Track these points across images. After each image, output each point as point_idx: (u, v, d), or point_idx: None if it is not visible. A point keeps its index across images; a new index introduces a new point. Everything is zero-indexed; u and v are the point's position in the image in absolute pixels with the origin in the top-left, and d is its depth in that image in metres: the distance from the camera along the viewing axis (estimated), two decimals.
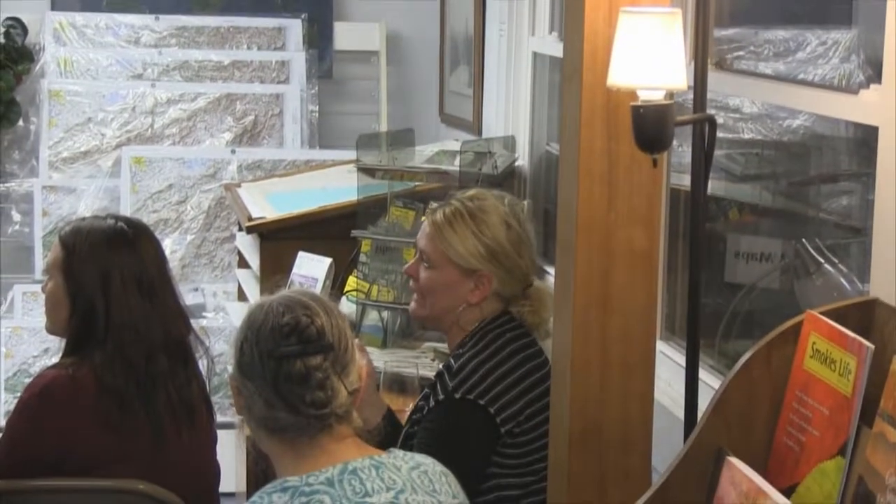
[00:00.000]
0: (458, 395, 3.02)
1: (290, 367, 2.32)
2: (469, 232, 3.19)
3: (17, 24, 5.91)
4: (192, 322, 3.49)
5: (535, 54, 4.97)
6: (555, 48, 4.68)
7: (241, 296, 5.07)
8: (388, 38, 6.27)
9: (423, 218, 3.37)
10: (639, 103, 2.46)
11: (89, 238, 3.39)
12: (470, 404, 3.02)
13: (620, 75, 2.46)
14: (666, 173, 3.47)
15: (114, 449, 3.28)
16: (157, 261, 3.43)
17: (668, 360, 3.56)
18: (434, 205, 3.37)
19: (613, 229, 2.67)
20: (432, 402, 3.08)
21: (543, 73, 4.95)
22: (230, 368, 2.41)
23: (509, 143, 4.92)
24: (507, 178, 4.76)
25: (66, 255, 3.40)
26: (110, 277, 3.34)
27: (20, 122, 5.93)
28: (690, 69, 2.60)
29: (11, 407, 3.44)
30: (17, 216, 5.93)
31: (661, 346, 3.56)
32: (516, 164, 4.92)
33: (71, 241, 3.40)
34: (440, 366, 3.26)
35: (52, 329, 3.47)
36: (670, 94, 2.54)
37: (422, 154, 4.70)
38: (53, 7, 6.07)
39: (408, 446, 3.01)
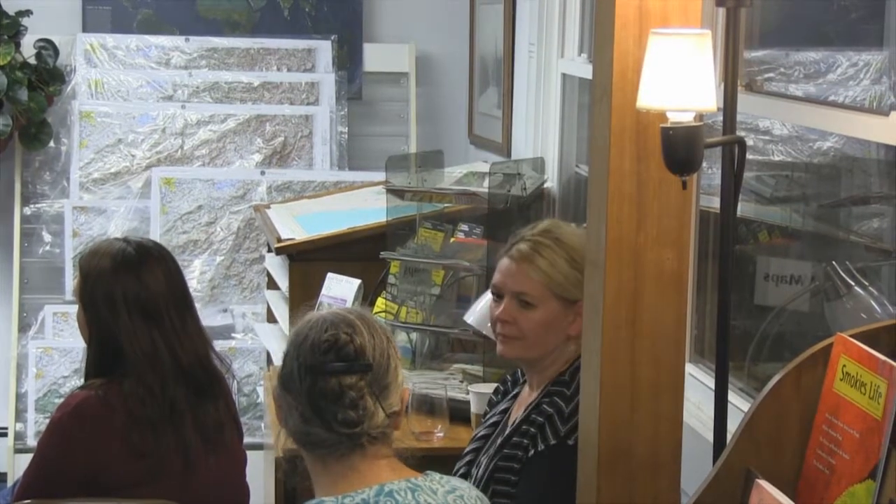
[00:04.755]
0: (571, 442, 2.92)
1: (325, 383, 2.33)
2: (561, 260, 3.08)
3: (48, 46, 5.94)
4: (220, 343, 3.49)
5: (564, 76, 4.97)
6: (584, 70, 4.68)
7: (270, 317, 5.08)
8: (417, 59, 6.28)
9: (502, 259, 3.15)
10: (668, 125, 2.46)
11: (99, 263, 3.40)
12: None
13: (650, 97, 2.46)
14: (696, 195, 3.47)
15: (143, 470, 3.29)
16: (165, 285, 3.41)
17: (698, 383, 3.55)
18: (514, 244, 3.17)
19: (642, 251, 2.66)
20: (541, 447, 2.97)
21: (573, 94, 4.95)
22: (261, 387, 2.43)
23: (538, 164, 4.92)
24: (537, 200, 4.76)
25: (81, 281, 3.42)
26: (115, 304, 3.35)
27: (51, 144, 5.96)
28: (720, 91, 2.60)
29: (43, 427, 3.46)
30: (47, 237, 5.96)
31: (690, 368, 3.54)
32: (545, 185, 4.91)
33: (85, 267, 3.42)
34: (536, 404, 3.07)
35: None
36: (700, 116, 2.53)
37: (451, 175, 4.71)
38: (85, 29, 6.10)
39: (468, 475, 2.97)
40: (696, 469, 2.76)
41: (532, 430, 3.02)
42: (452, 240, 4.34)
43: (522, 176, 4.57)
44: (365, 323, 2.41)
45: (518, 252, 3.11)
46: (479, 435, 3.20)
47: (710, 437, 2.75)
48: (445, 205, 4.53)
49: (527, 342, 3.10)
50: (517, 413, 3.12)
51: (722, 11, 2.78)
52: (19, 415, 5.75)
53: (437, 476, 2.37)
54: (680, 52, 2.43)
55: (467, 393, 3.85)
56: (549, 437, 2.98)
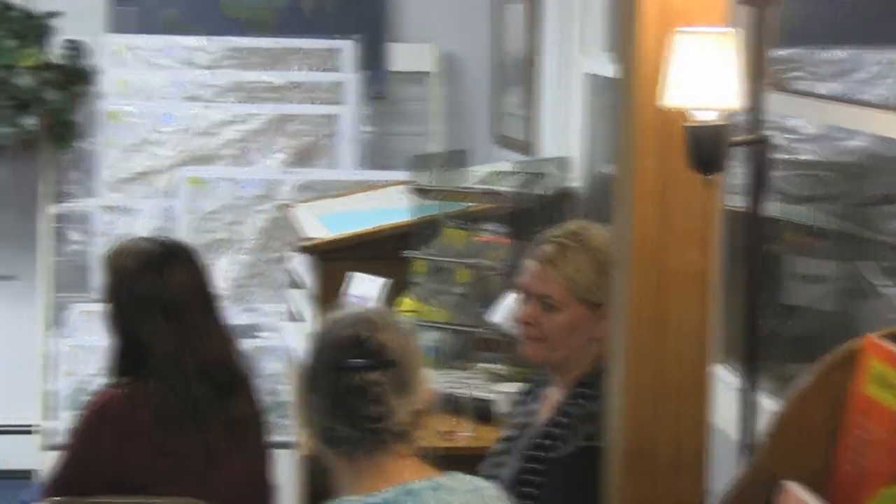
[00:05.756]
0: (596, 445, 2.86)
1: (348, 379, 2.34)
2: (587, 263, 3.06)
3: (75, 47, 5.97)
4: (244, 342, 3.50)
5: (588, 74, 4.96)
6: (608, 68, 4.68)
7: (295, 316, 5.09)
8: (441, 58, 6.28)
9: (528, 260, 3.13)
10: (693, 124, 2.46)
11: (125, 262, 3.41)
12: None
13: (674, 95, 2.46)
14: (722, 194, 3.45)
15: (167, 468, 3.30)
16: (189, 284, 3.42)
17: (725, 384, 3.54)
18: (537, 245, 3.16)
19: (667, 250, 2.65)
20: (566, 449, 2.96)
21: (597, 93, 4.94)
22: (286, 386, 2.45)
23: (562, 163, 4.91)
24: (561, 199, 4.75)
25: (107, 279, 3.43)
26: (140, 302, 3.36)
27: (78, 143, 5.98)
28: (746, 90, 2.59)
29: (71, 425, 3.47)
30: (75, 236, 5.98)
31: (717, 369, 3.53)
32: (570, 184, 4.91)
33: (111, 266, 3.43)
34: (562, 406, 3.06)
35: None
36: (725, 115, 2.53)
37: (475, 175, 4.70)
38: (111, 29, 6.12)
39: (495, 477, 2.97)
40: (723, 471, 2.76)
41: (557, 431, 3.01)
42: (476, 239, 4.34)
43: (546, 175, 4.57)
44: (387, 321, 2.42)
45: (543, 254, 3.10)
46: (505, 436, 3.19)
47: (737, 438, 2.74)
48: (469, 204, 4.52)
49: (549, 344, 3.09)
50: (544, 414, 3.12)
51: (748, 10, 2.78)
52: (48, 412, 5.79)
53: (460, 476, 2.38)
54: (704, 50, 2.43)
55: (492, 392, 3.85)
56: (575, 439, 2.97)
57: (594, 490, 2.81)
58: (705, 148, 2.46)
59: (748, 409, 2.69)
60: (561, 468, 2.97)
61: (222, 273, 5.75)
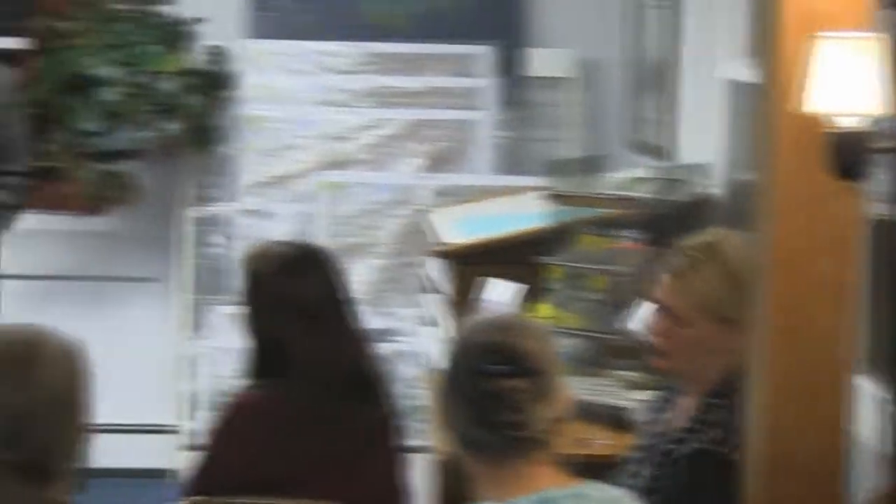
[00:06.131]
0: (720, 450, 2.88)
1: (488, 385, 2.34)
2: (719, 278, 2.99)
3: (216, 52, 6.06)
4: (379, 346, 3.52)
5: (728, 80, 4.92)
6: (748, 73, 4.63)
7: (431, 320, 5.11)
8: (577, 64, 6.26)
9: (662, 273, 3.08)
10: (834, 130, 2.42)
11: (262, 266, 3.45)
12: (730, 465, 2.83)
13: (815, 101, 2.43)
14: (865, 202, 3.40)
15: (303, 471, 3.33)
16: (326, 288, 3.44)
17: (868, 394, 3.48)
18: (670, 257, 3.13)
19: (810, 259, 2.62)
20: (691, 448, 2.94)
21: (736, 98, 4.89)
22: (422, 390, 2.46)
23: (700, 170, 4.87)
24: (699, 206, 4.71)
25: (245, 283, 3.47)
26: (278, 306, 3.39)
27: (218, 148, 6.07)
28: (890, 95, 2.54)
29: (209, 426, 3.52)
30: (214, 239, 6.07)
31: (861, 380, 3.47)
32: (708, 191, 4.86)
33: (249, 270, 3.47)
34: (693, 416, 3.03)
35: None
36: (867, 121, 2.49)
37: (612, 180, 4.68)
38: (251, 35, 6.20)
39: (628, 486, 2.96)
40: (863, 481, 2.72)
41: (687, 437, 2.98)
42: (612, 245, 4.32)
43: (684, 181, 4.53)
44: (528, 327, 2.42)
45: (674, 267, 3.06)
46: (639, 445, 3.17)
47: (882, 451, 2.69)
48: (605, 210, 4.50)
49: (677, 358, 3.05)
50: (676, 423, 3.09)
51: (892, 13, 2.73)
52: (188, 413, 5.87)
53: (599, 484, 2.37)
54: (846, 55, 2.40)
55: (627, 400, 3.83)
56: (700, 442, 2.93)
57: (711, 494, 2.79)
58: (847, 155, 2.42)
59: (890, 420, 2.64)
60: (678, 468, 2.95)
61: (358, 277, 5.79)
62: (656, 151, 5.53)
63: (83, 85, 5.86)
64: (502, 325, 2.40)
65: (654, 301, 3.11)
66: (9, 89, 4.74)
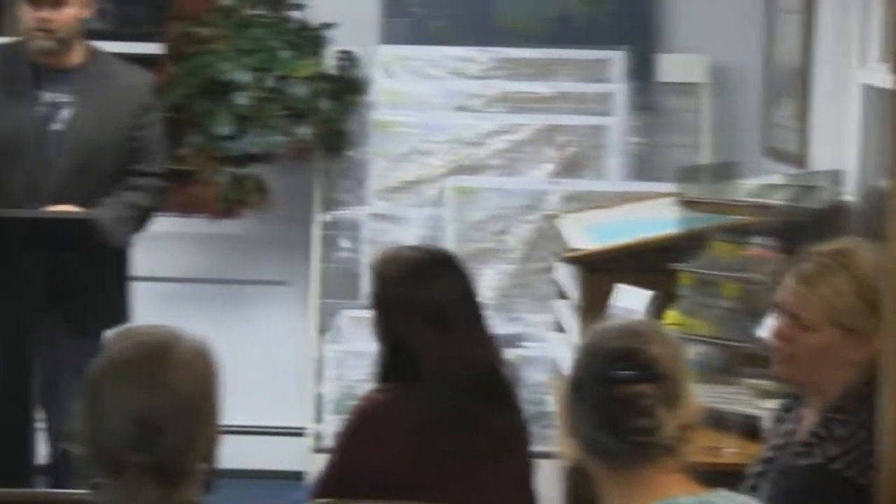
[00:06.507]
0: (834, 467, 2.83)
1: (617, 391, 2.33)
2: (847, 287, 2.93)
3: (348, 57, 6.10)
4: (508, 352, 3.52)
5: (864, 85, 4.84)
6: (884, 79, 4.55)
7: (560, 327, 5.09)
8: (711, 69, 6.20)
9: (788, 276, 3.03)
10: None
11: (391, 270, 3.46)
12: (847, 484, 2.81)
13: None
14: None
15: (430, 475, 3.34)
16: (455, 293, 3.45)
17: None
18: (798, 261, 3.09)
19: None
20: (810, 462, 2.88)
21: (872, 104, 4.81)
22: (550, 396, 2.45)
23: (836, 177, 4.79)
24: (834, 214, 4.64)
25: (374, 287, 3.49)
26: (406, 310, 3.40)
27: (349, 152, 6.11)
28: None
29: (338, 428, 3.55)
30: (345, 243, 6.11)
31: None
32: (843, 198, 4.79)
33: (378, 274, 3.49)
34: (814, 430, 2.97)
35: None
36: None
37: (744, 187, 4.63)
38: (383, 40, 6.24)
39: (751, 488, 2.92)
40: None
41: (805, 452, 2.93)
42: (745, 253, 4.27)
43: (819, 188, 4.47)
44: (657, 333, 2.40)
45: (802, 273, 3.01)
46: (764, 458, 3.13)
47: None
48: (738, 217, 4.45)
49: (799, 365, 3.00)
50: (799, 435, 3.04)
51: None
52: (317, 416, 5.92)
53: (728, 494, 2.34)
54: None
55: (758, 408, 3.78)
56: (816, 458, 2.87)
57: None
58: None
59: None
60: (793, 484, 2.89)
61: (487, 282, 5.79)
62: (790, 158, 5.46)
63: (218, 90, 5.94)
64: (630, 331, 2.39)
65: (779, 306, 3.07)
66: (148, 93, 4.81)
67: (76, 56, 4.67)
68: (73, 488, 3.41)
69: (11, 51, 4.71)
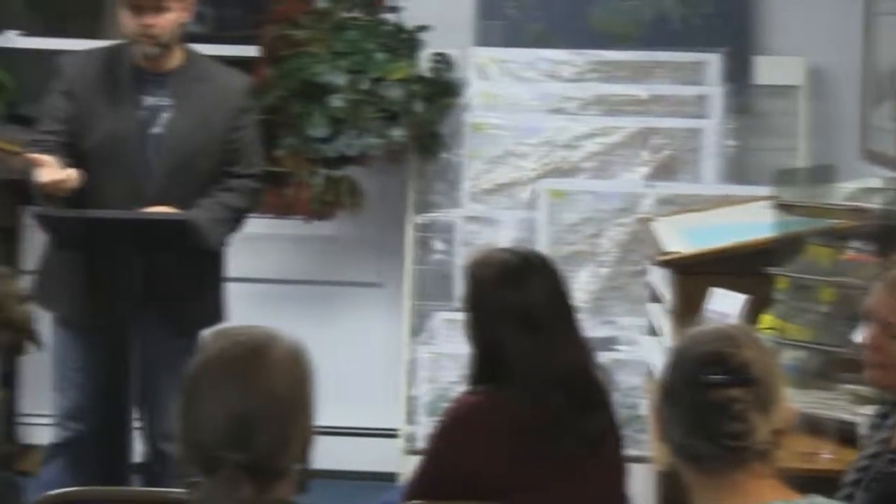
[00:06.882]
0: None
1: (709, 395, 2.32)
2: None
3: (443, 60, 6.11)
4: (602, 355, 3.51)
5: None
6: None
7: (654, 330, 5.07)
8: (808, 72, 6.15)
9: (877, 283, 3.05)
10: None
11: (484, 272, 3.47)
12: None
13: None
14: None
15: (523, 477, 3.34)
16: (548, 295, 3.44)
17: None
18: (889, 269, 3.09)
19: None
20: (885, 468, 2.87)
21: None
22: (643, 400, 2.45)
23: None
24: None
25: (467, 289, 3.50)
26: (499, 312, 3.41)
27: (444, 155, 6.13)
28: None
29: (431, 430, 3.56)
30: (439, 245, 6.12)
31: None
32: None
33: (471, 276, 3.50)
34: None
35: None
36: None
37: (842, 191, 4.58)
38: (478, 43, 6.25)
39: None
40: None
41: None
42: (842, 257, 4.23)
43: None
44: (750, 338, 2.39)
45: (892, 279, 2.98)
46: (860, 466, 3.09)
47: None
48: (835, 221, 4.41)
49: (891, 373, 2.98)
50: (893, 443, 3.01)
51: None
52: (410, 417, 5.94)
53: (822, 500, 2.32)
54: None
55: (855, 415, 3.74)
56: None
57: None
58: None
59: None
60: (883, 492, 2.86)
61: (581, 285, 5.79)
62: (888, 161, 5.40)
63: (313, 92, 5.98)
64: (722, 335, 2.37)
65: (869, 313, 3.03)
66: (244, 95, 4.86)
67: (175, 59, 4.72)
68: (168, 487, 3.45)
69: (112, 54, 4.77)
